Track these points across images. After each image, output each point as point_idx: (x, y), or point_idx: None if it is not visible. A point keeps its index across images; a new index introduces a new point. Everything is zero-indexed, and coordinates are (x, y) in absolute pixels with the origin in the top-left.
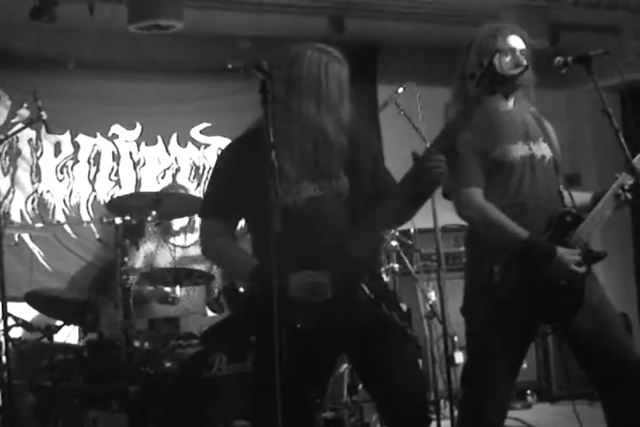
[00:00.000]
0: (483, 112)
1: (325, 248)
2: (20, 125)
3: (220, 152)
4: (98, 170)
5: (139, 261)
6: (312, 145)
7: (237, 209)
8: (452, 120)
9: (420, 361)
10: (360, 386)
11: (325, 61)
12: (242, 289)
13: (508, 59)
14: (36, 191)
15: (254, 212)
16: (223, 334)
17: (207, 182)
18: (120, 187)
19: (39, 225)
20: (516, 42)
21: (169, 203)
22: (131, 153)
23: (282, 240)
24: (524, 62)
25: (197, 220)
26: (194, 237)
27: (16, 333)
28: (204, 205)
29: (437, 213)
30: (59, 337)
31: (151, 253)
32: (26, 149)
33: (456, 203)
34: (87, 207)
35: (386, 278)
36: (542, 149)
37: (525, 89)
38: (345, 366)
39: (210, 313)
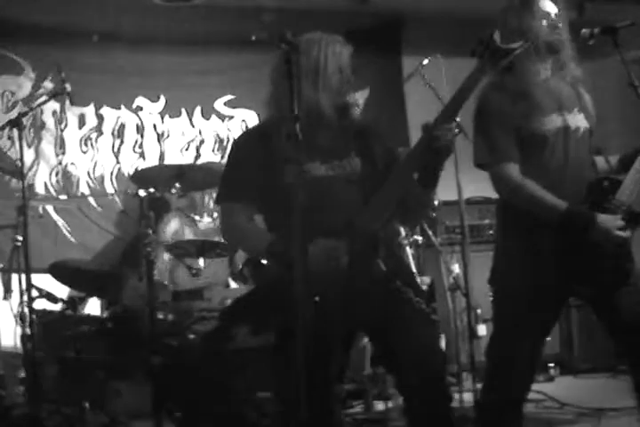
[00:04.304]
0: (517, 82)
1: (337, 225)
2: (44, 98)
3: (233, 141)
4: (122, 142)
5: (163, 233)
6: (312, 125)
7: (252, 191)
8: (459, 89)
9: (443, 335)
10: None
11: (325, 43)
12: (265, 262)
13: (544, 22)
14: (60, 163)
15: (267, 193)
16: (246, 307)
17: (224, 169)
18: (144, 159)
19: (63, 197)
20: (549, 6)
21: (193, 175)
22: (155, 125)
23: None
24: (559, 25)
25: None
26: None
27: (40, 304)
28: (220, 190)
29: (462, 186)
30: (83, 309)
31: (175, 225)
32: (50, 122)
33: (492, 179)
34: (111, 180)
35: (409, 251)
36: (577, 120)
37: (565, 57)
38: (367, 338)
39: (233, 285)
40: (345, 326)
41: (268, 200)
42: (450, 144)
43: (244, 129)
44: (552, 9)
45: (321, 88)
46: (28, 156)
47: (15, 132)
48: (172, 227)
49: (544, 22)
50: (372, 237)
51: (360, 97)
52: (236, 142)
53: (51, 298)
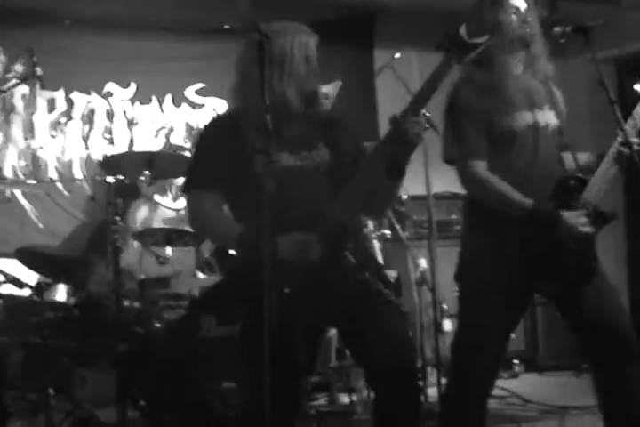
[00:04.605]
0: (488, 77)
1: (305, 216)
2: (14, 81)
3: (201, 130)
4: (91, 128)
5: (132, 220)
6: (279, 116)
7: (219, 180)
8: (425, 82)
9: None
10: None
11: (292, 32)
12: (232, 252)
13: (513, 17)
14: (28, 148)
15: (235, 183)
16: (216, 298)
17: (191, 158)
18: (113, 145)
19: (31, 182)
20: (518, 1)
21: (162, 163)
22: (125, 112)
23: (260, 208)
24: (529, 19)
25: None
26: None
27: (6, 289)
28: (187, 178)
29: (431, 181)
30: (48, 295)
31: (144, 212)
32: (19, 105)
33: (459, 175)
34: (80, 165)
35: (377, 244)
36: (547, 118)
37: (536, 52)
38: (333, 331)
39: (200, 275)
40: (314, 317)
41: (235, 190)
42: (417, 137)
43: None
44: (521, 4)
45: (287, 78)
46: None
47: None
48: (141, 214)
49: (514, 17)
50: (341, 229)
51: (332, 89)
52: (203, 131)
53: (17, 283)
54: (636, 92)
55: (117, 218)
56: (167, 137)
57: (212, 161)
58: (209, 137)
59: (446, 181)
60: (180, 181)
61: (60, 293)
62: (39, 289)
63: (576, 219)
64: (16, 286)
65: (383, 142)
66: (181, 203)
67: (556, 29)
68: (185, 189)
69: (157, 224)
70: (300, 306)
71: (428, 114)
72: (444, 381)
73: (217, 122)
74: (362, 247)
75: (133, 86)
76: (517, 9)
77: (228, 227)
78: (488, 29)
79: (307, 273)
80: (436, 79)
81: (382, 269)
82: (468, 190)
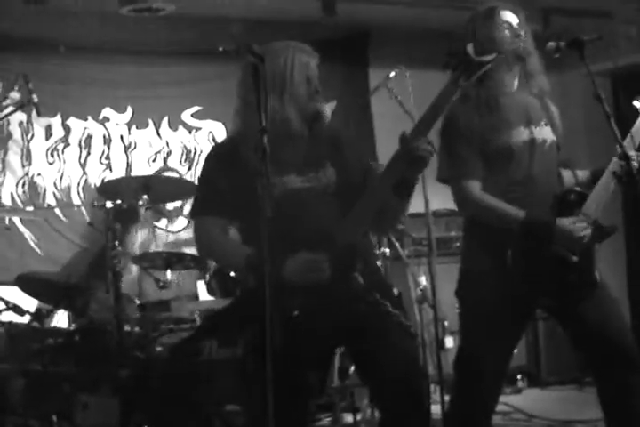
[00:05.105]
0: (485, 94)
1: (314, 237)
2: (10, 108)
3: (206, 155)
4: (89, 153)
5: (131, 245)
6: (282, 138)
7: (226, 204)
8: (435, 100)
9: None
10: (351, 370)
11: (292, 53)
12: (232, 274)
13: (506, 32)
14: (26, 174)
15: (242, 206)
16: (224, 320)
17: (197, 185)
18: (111, 170)
19: (30, 208)
20: (510, 16)
21: (160, 187)
22: (122, 136)
23: (271, 231)
24: (522, 33)
25: (189, 205)
26: (185, 220)
27: (6, 317)
28: (194, 204)
29: (429, 198)
30: (49, 321)
31: (143, 237)
32: (16, 132)
33: (454, 195)
34: (78, 191)
35: (377, 263)
36: (544, 133)
37: (531, 67)
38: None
39: (201, 297)
40: (324, 339)
41: (242, 213)
42: (426, 156)
43: (212, 140)
44: (513, 19)
45: (288, 99)
46: None
47: None
48: (140, 238)
49: (507, 32)
50: (351, 250)
51: (327, 109)
52: (207, 156)
53: (17, 310)
54: (636, 109)
55: (116, 243)
56: (164, 161)
57: (216, 187)
58: (212, 162)
59: (444, 198)
60: (178, 204)
61: (62, 319)
62: (39, 316)
63: (572, 224)
64: (17, 313)
65: (394, 161)
66: (179, 225)
67: (551, 44)
68: (191, 215)
69: (156, 248)
70: (310, 327)
71: None
72: (447, 398)
73: (219, 148)
74: (371, 268)
75: (130, 111)
76: (510, 24)
77: (235, 250)
78: (483, 46)
79: (316, 294)
80: (444, 98)
81: (392, 290)
82: (462, 210)
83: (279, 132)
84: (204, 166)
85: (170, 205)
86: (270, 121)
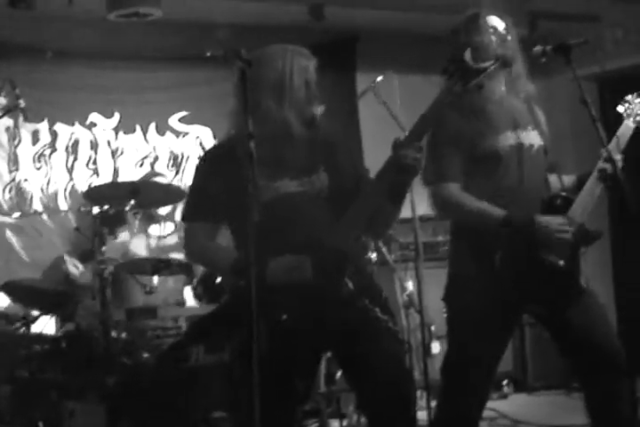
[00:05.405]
0: (473, 100)
1: (305, 242)
2: None
3: (198, 160)
4: (75, 158)
5: (116, 250)
6: (279, 142)
7: (217, 210)
8: (429, 107)
9: None
10: (337, 376)
11: (290, 56)
12: (219, 280)
13: (492, 37)
14: (13, 180)
15: (235, 211)
16: (204, 326)
17: (188, 189)
18: (98, 176)
19: (16, 214)
20: (496, 21)
21: (147, 192)
22: (109, 142)
23: (262, 235)
24: (508, 38)
25: (179, 211)
26: (172, 226)
27: None
28: (185, 209)
29: (415, 203)
30: (36, 328)
31: (128, 242)
32: (3, 138)
33: (432, 196)
34: (65, 196)
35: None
36: (531, 138)
37: (517, 72)
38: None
39: (188, 303)
40: (312, 344)
41: (234, 217)
42: (416, 163)
43: (199, 145)
44: (499, 24)
45: (287, 104)
46: None
47: None
48: (127, 244)
49: (492, 37)
50: (342, 255)
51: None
52: (199, 161)
53: (3, 317)
54: (620, 113)
55: (103, 249)
56: (152, 166)
57: (207, 192)
58: (204, 168)
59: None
60: (166, 209)
61: (48, 325)
62: (26, 322)
63: (553, 221)
64: (3, 319)
65: (386, 167)
66: (167, 230)
67: (537, 48)
68: (183, 220)
69: (143, 253)
70: (298, 332)
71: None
72: (433, 404)
73: (212, 152)
74: (362, 273)
75: (117, 116)
76: (496, 29)
77: (223, 255)
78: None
79: (305, 298)
80: (439, 104)
81: (381, 295)
82: (440, 212)
83: (279, 136)
84: (196, 170)
85: (162, 210)
86: (270, 124)
